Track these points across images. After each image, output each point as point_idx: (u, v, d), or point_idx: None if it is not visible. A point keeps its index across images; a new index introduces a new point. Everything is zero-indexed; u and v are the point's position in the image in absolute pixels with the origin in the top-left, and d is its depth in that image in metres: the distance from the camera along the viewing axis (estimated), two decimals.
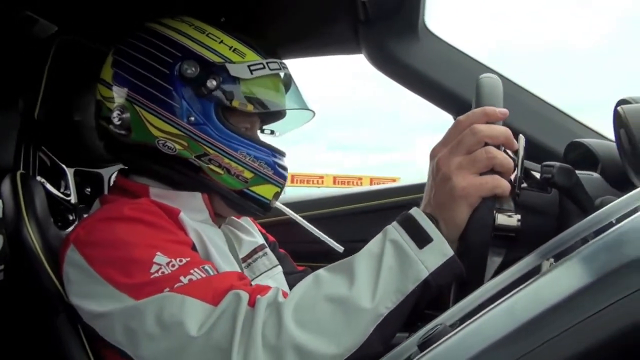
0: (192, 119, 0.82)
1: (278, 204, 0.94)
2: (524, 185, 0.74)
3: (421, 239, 0.63)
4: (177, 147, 0.83)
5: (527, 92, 1.13)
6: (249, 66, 0.85)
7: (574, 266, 0.44)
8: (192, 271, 0.70)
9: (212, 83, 0.82)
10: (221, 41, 0.85)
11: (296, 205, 1.13)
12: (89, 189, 1.12)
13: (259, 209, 0.88)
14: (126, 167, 0.91)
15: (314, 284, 0.66)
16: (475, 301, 0.56)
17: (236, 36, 0.87)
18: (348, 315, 0.62)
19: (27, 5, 0.92)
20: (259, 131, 0.96)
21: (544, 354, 0.41)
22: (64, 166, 1.09)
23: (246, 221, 1.01)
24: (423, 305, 0.64)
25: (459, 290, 0.66)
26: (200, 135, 0.82)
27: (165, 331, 0.65)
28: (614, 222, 0.51)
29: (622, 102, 0.84)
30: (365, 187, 1.70)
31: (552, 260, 0.54)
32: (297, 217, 1.01)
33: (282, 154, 0.89)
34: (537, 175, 0.75)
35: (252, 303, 0.66)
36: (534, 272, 0.51)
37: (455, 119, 0.72)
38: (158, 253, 0.71)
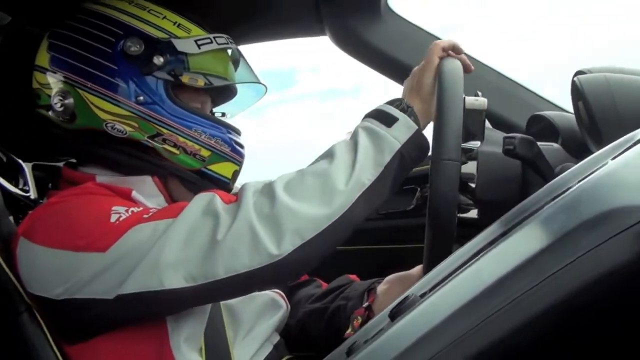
0: (141, 98, 0.79)
1: (238, 187, 0.91)
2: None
3: (389, 120, 0.73)
4: (128, 129, 0.79)
5: (489, 68, 1.15)
6: (195, 41, 0.82)
7: (534, 229, 0.45)
8: (151, 209, 0.72)
9: (159, 60, 0.80)
10: (164, 17, 0.83)
11: None
12: (50, 184, 1.08)
13: (219, 189, 0.84)
14: (73, 160, 0.87)
15: (297, 171, 0.72)
16: (444, 271, 0.58)
17: (179, 12, 0.84)
18: (334, 183, 0.69)
19: None
20: None
21: (508, 314, 0.42)
22: (20, 161, 1.04)
23: None
24: (403, 177, 0.74)
25: None
26: (151, 114, 0.79)
27: (143, 263, 0.65)
28: (571, 187, 0.52)
29: (579, 73, 0.86)
30: None
31: None
32: None
33: (237, 132, 0.87)
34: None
35: (228, 201, 0.70)
36: (499, 239, 0.52)
37: None
38: (114, 206, 0.70)
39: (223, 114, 0.97)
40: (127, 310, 0.67)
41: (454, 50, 0.80)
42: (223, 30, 0.88)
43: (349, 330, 0.80)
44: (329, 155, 0.72)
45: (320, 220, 0.67)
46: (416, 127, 0.73)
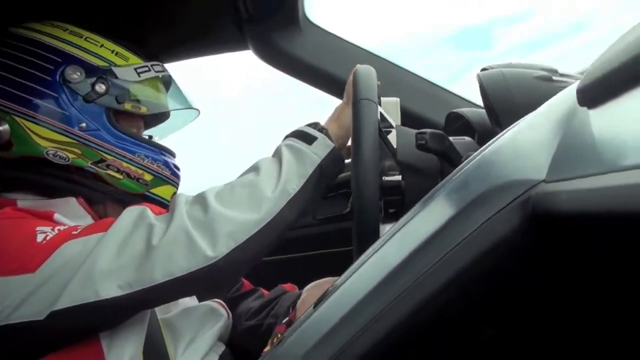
0: (84, 125, 0.80)
1: None
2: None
3: (309, 139, 0.81)
4: (71, 156, 0.80)
5: (406, 71, 1.22)
6: (135, 69, 0.85)
7: (432, 210, 0.49)
8: (78, 227, 0.71)
9: (100, 87, 0.82)
10: (102, 45, 0.84)
11: None
12: None
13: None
14: None
15: (225, 184, 0.76)
16: (365, 258, 0.61)
17: (115, 40, 0.86)
18: (262, 192, 0.74)
19: None
20: None
21: (413, 293, 0.45)
22: None
23: None
24: (323, 187, 0.82)
25: None
26: (95, 141, 0.81)
27: (76, 277, 0.65)
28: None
29: (483, 70, 0.94)
30: None
31: None
32: None
33: (173, 154, 0.91)
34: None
35: (158, 213, 0.72)
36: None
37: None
38: (38, 227, 0.69)
39: (150, 137, 0.99)
40: (60, 328, 0.65)
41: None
42: (154, 52, 0.92)
43: (267, 348, 0.81)
44: (254, 169, 0.78)
45: (251, 225, 0.72)
46: (333, 145, 0.81)
